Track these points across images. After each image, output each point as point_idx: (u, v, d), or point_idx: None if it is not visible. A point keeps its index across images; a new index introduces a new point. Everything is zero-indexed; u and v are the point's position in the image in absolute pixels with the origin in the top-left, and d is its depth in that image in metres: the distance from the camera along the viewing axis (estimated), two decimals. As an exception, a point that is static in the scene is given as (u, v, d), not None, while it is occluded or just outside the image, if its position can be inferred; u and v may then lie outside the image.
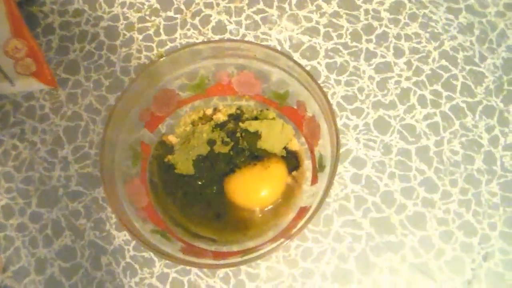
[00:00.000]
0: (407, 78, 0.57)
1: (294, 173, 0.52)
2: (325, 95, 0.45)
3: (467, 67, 0.57)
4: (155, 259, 0.52)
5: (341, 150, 0.55)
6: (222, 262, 0.45)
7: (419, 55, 0.58)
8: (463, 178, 0.53)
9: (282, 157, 0.52)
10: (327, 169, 0.46)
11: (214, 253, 0.48)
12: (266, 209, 0.51)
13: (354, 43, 0.59)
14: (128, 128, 0.48)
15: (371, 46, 0.58)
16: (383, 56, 0.58)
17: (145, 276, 0.52)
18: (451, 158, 0.54)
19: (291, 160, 0.52)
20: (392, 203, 0.53)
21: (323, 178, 0.46)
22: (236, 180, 0.51)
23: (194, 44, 0.48)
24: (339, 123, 0.56)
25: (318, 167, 0.49)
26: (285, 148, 0.52)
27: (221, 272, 0.51)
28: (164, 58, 0.47)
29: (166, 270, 0.51)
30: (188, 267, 0.51)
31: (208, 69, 0.51)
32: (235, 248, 0.48)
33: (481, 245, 0.51)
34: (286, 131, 0.52)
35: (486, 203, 0.52)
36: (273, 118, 0.53)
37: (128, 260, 0.52)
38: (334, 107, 0.56)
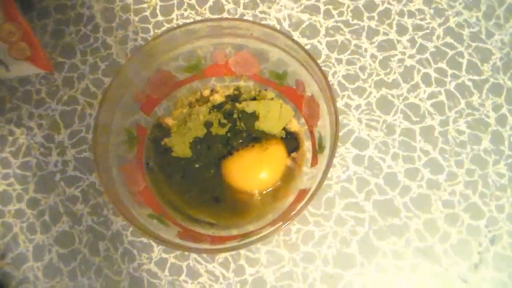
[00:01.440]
0: (411, 56, 0.54)
1: (293, 154, 0.49)
2: (324, 74, 0.42)
3: (473, 44, 0.54)
4: (153, 244, 0.50)
5: (343, 131, 0.52)
6: (220, 246, 0.43)
7: (423, 32, 0.54)
8: (469, 159, 0.50)
9: (281, 138, 0.49)
10: (327, 150, 0.43)
11: (212, 237, 0.46)
12: (265, 192, 0.48)
13: (356, 21, 0.55)
14: (123, 111, 0.46)
15: (373, 24, 0.55)
16: (385, 34, 0.55)
17: (143, 262, 0.49)
18: (457, 138, 0.51)
19: (291, 141, 0.49)
20: (395, 185, 0.50)
21: (323, 159, 0.44)
22: (234, 162, 0.48)
23: (190, 23, 0.45)
24: (341, 103, 0.53)
25: (318, 148, 0.46)
26: (284, 129, 0.49)
27: (220, 257, 0.49)
28: (159, 38, 0.44)
29: (164, 256, 0.49)
30: (186, 253, 0.49)
31: (205, 49, 0.48)
32: (234, 232, 0.46)
33: (488, 228, 0.48)
34: (285, 112, 0.49)
35: (493, 185, 0.49)
36: (272, 99, 0.50)
37: (126, 245, 0.50)
38: (336, 86, 0.53)
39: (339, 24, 0.55)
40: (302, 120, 0.49)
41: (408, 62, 0.53)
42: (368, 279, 0.47)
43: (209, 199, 0.48)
